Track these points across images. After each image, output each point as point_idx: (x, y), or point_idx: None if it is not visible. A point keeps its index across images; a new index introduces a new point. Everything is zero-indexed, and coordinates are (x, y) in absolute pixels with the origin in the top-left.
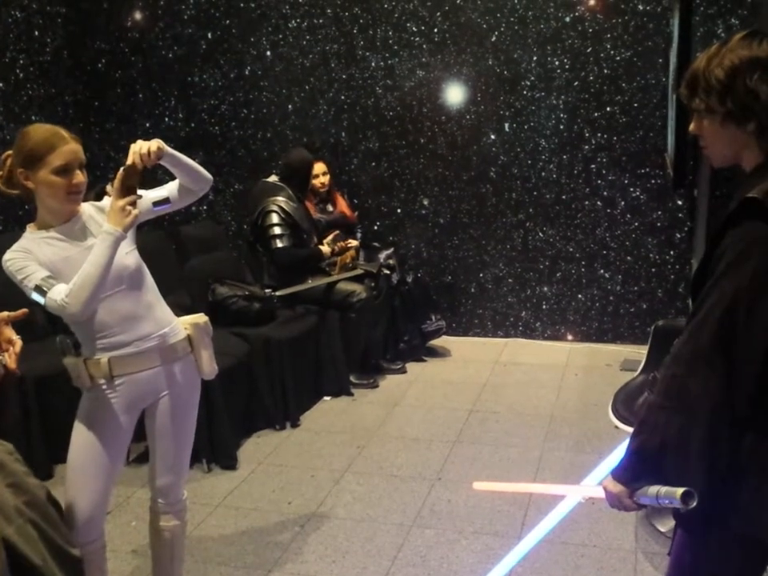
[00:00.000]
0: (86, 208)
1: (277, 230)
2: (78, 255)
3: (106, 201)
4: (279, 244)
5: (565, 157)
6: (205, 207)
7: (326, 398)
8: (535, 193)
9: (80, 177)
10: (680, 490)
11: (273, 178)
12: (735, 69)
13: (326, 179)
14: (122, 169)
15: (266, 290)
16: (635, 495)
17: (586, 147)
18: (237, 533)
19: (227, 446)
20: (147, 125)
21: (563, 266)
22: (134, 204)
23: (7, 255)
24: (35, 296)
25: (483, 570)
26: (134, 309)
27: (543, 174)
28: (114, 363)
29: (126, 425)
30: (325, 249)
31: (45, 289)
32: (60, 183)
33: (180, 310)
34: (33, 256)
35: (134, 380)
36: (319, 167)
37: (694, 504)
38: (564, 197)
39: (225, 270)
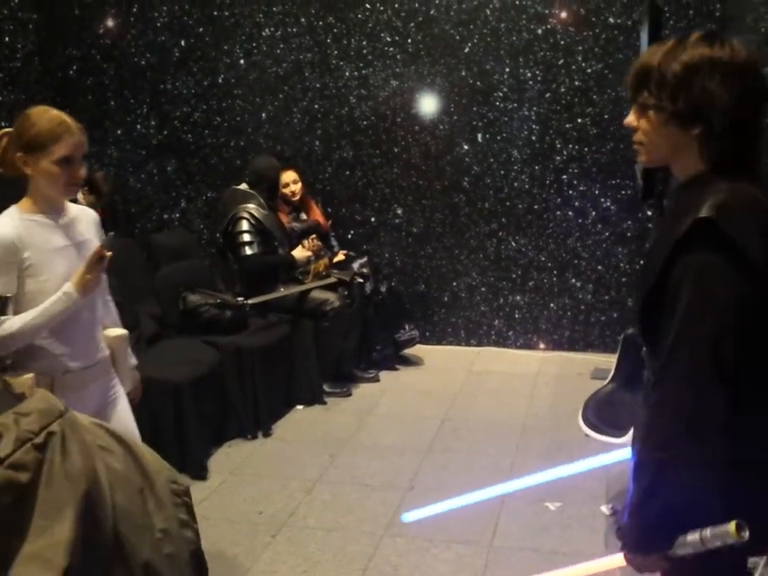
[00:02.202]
0: (71, 205)
1: (246, 237)
2: (71, 251)
3: (88, 210)
4: (248, 251)
5: (537, 167)
6: (177, 215)
7: (299, 407)
8: (507, 203)
9: (82, 170)
10: (731, 526)
11: (243, 186)
12: (694, 66)
13: (296, 187)
14: (98, 246)
15: (238, 299)
16: (671, 552)
17: (558, 158)
18: (207, 543)
19: (197, 456)
20: (119, 132)
21: (535, 275)
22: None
23: None
24: None
25: None
26: (88, 323)
27: (515, 184)
28: (59, 382)
29: None
30: (299, 254)
31: None
32: (60, 174)
33: (151, 318)
34: (16, 253)
35: (74, 397)
36: (289, 175)
37: (747, 533)
38: (536, 207)
39: (196, 278)
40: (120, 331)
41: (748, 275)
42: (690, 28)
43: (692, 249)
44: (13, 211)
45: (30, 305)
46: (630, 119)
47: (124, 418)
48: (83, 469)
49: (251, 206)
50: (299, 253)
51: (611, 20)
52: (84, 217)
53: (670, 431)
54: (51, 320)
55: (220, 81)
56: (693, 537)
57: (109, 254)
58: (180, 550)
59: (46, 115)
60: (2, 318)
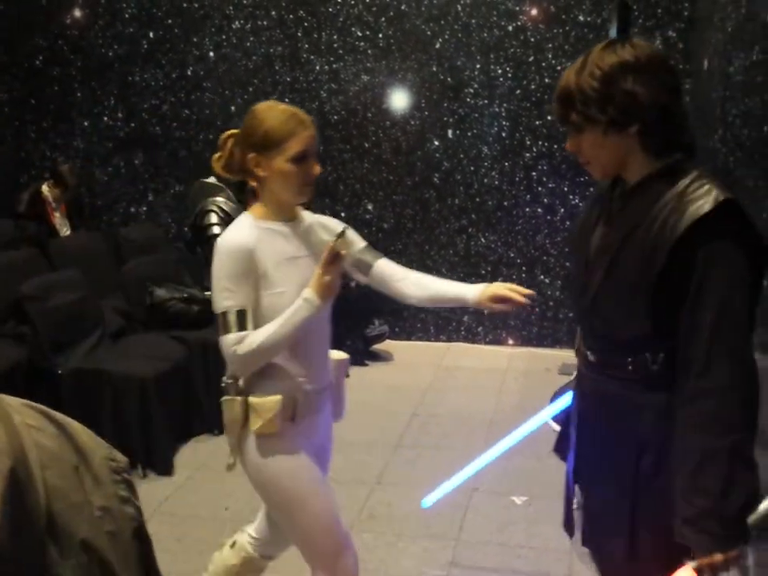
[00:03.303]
0: (306, 213)
1: (217, 230)
2: (304, 262)
3: (324, 218)
4: None
5: (506, 164)
6: (144, 209)
7: None
8: (477, 199)
9: (315, 167)
10: None
11: (211, 179)
12: (608, 75)
13: None
14: (331, 243)
15: (206, 293)
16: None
17: (527, 155)
18: (172, 539)
19: (163, 451)
20: (86, 123)
21: (504, 272)
22: (337, 279)
23: (230, 245)
24: (218, 316)
25: (420, 572)
26: (322, 340)
27: (485, 180)
28: (301, 404)
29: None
30: None
31: (230, 323)
32: (296, 173)
33: (117, 313)
34: (253, 262)
35: (307, 423)
36: None
37: None
38: (505, 203)
39: (164, 272)
40: (342, 355)
41: (758, 256)
42: (658, 27)
43: (716, 230)
44: (247, 218)
45: (265, 320)
46: (571, 144)
47: (330, 453)
48: (7, 447)
49: (220, 199)
50: None
51: (581, 18)
52: (323, 225)
53: (738, 414)
54: (294, 331)
55: (189, 73)
56: (764, 506)
57: (344, 252)
58: (122, 527)
59: (274, 110)
60: (243, 333)
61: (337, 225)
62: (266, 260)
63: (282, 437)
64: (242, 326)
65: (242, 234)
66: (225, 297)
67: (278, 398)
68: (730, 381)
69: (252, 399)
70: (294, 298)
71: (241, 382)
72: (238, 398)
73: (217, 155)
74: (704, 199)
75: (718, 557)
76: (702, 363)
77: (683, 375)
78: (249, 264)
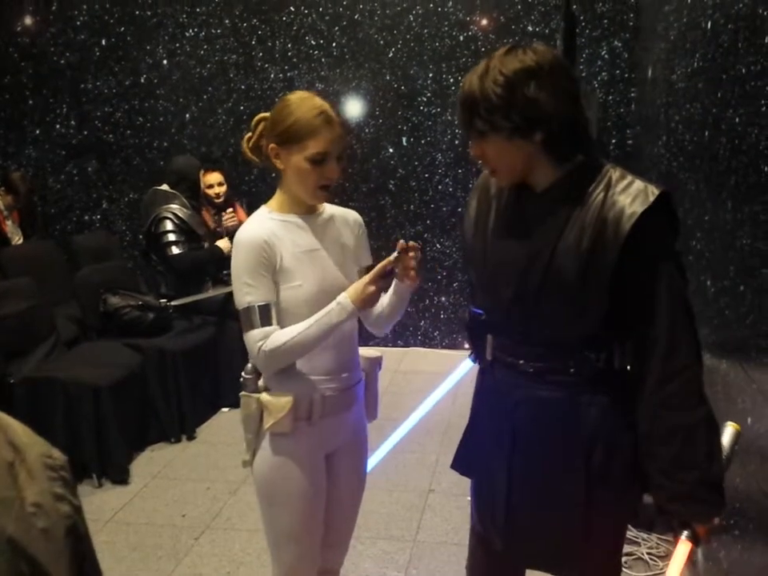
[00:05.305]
0: (327, 205)
1: (171, 237)
2: (322, 254)
3: (346, 210)
4: (176, 250)
5: (460, 171)
6: (98, 217)
7: (224, 410)
8: (432, 205)
9: (334, 170)
10: (731, 427)
11: (164, 187)
12: (511, 81)
13: (221, 189)
14: (393, 256)
15: (161, 300)
16: None
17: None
18: (128, 548)
19: (118, 460)
20: (37, 132)
21: (459, 277)
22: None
23: (245, 239)
24: (241, 313)
25: (379, 574)
26: (349, 340)
27: (440, 187)
28: (317, 406)
29: (323, 473)
30: (224, 244)
31: (253, 319)
32: (311, 173)
33: (71, 321)
34: (269, 255)
35: (328, 423)
36: (215, 177)
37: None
38: (459, 209)
39: (118, 280)
40: (374, 353)
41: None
42: (604, 37)
43: (658, 222)
44: (263, 211)
45: (283, 313)
46: (476, 150)
47: (364, 453)
48: None
49: (174, 207)
50: (224, 243)
51: (530, 28)
52: (343, 218)
53: (702, 386)
54: (324, 333)
55: (142, 81)
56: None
57: (397, 271)
58: (55, 525)
59: (306, 104)
60: (268, 328)
61: (357, 218)
62: (283, 253)
63: (295, 437)
64: (266, 321)
65: (256, 228)
66: (245, 292)
67: (289, 397)
68: (693, 358)
69: (264, 397)
70: (311, 292)
71: (261, 380)
72: (254, 395)
73: (247, 135)
74: (641, 194)
75: (716, 522)
76: (667, 347)
77: (645, 361)
78: (266, 257)
